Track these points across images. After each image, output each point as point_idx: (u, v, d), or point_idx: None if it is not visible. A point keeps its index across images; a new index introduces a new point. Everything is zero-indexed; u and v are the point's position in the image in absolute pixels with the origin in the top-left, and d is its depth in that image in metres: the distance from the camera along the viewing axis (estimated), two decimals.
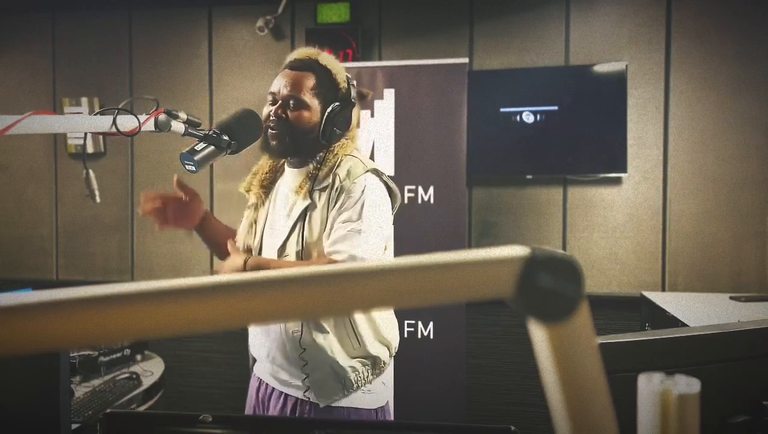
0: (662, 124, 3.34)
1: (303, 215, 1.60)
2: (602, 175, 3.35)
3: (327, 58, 1.64)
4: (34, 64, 3.99)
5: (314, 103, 1.60)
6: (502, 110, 3.37)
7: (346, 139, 1.69)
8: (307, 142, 1.62)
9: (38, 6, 3.91)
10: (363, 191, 1.58)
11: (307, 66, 1.62)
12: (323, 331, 1.59)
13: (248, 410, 1.78)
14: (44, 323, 0.35)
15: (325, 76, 1.62)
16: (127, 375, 2.44)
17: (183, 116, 1.27)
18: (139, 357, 2.66)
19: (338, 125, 1.62)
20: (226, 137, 1.35)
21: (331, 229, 1.57)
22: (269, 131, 1.60)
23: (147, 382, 2.42)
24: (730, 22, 3.27)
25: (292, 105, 1.59)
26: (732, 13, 3.27)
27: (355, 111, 1.69)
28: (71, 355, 2.36)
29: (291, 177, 1.70)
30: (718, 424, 0.81)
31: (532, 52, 3.45)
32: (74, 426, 1.93)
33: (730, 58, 3.27)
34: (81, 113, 3.84)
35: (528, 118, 3.34)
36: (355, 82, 1.69)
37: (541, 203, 3.45)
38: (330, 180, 1.60)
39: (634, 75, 3.33)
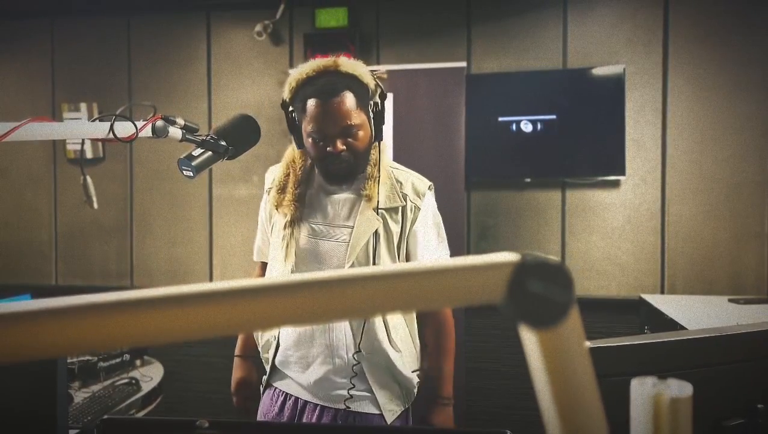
0: (660, 126, 3.34)
1: (374, 237, 1.59)
2: (600, 178, 3.36)
3: (348, 65, 1.56)
4: (32, 70, 4.00)
5: (363, 118, 1.57)
6: (500, 119, 3.38)
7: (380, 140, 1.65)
8: (367, 155, 1.62)
9: (37, 11, 3.92)
10: (433, 212, 1.70)
11: (335, 88, 1.53)
12: (396, 349, 1.62)
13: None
14: (44, 330, 0.35)
15: (355, 85, 1.55)
16: (126, 381, 2.44)
17: (180, 121, 1.28)
18: (138, 362, 2.66)
19: (383, 121, 1.61)
20: (223, 143, 1.35)
21: (423, 250, 1.65)
22: (332, 165, 1.56)
23: (146, 387, 2.42)
24: (727, 24, 3.28)
25: (350, 134, 1.55)
26: (729, 14, 3.28)
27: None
28: (71, 360, 2.36)
29: (330, 190, 1.65)
30: (712, 427, 0.81)
31: (529, 56, 3.46)
32: (74, 431, 1.93)
33: (727, 60, 3.28)
34: (80, 118, 3.84)
35: (526, 127, 3.35)
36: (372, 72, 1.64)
37: (540, 206, 3.45)
38: (400, 202, 1.62)
39: (632, 77, 3.33)
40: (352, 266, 1.57)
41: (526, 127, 3.36)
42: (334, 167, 1.57)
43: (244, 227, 3.71)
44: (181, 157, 1.33)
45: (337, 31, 3.54)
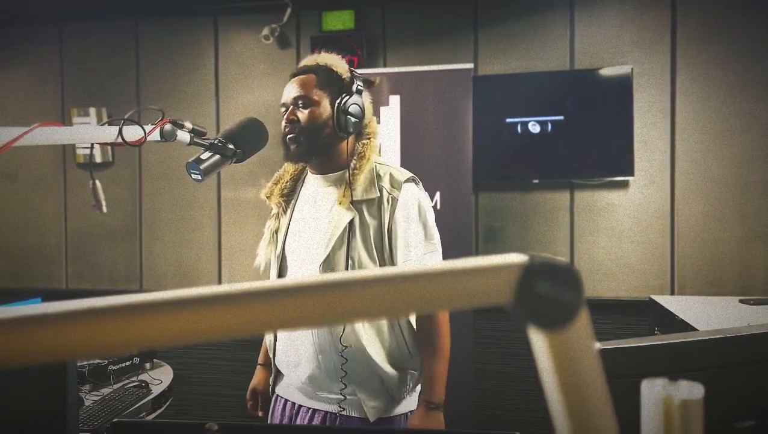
0: (668, 127, 3.33)
1: (349, 228, 1.58)
2: (609, 179, 3.34)
3: (325, 57, 1.67)
4: (42, 75, 4.03)
5: (322, 98, 1.61)
6: (507, 121, 3.37)
7: (368, 138, 1.67)
8: (323, 139, 1.61)
9: (45, 17, 3.95)
10: (418, 206, 1.62)
11: (307, 69, 1.65)
12: (375, 345, 1.58)
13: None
14: (54, 334, 0.35)
15: (326, 72, 1.64)
16: (136, 384, 2.45)
17: (188, 125, 1.28)
18: (148, 365, 2.67)
19: (352, 114, 1.61)
20: (231, 146, 1.36)
21: (405, 249, 1.58)
22: (287, 137, 1.62)
23: (156, 390, 2.43)
24: (734, 25, 3.26)
25: (301, 105, 1.61)
26: (737, 15, 3.26)
27: (366, 100, 1.67)
28: (81, 363, 2.37)
29: (317, 184, 1.69)
30: (724, 429, 0.80)
31: (536, 57, 3.45)
32: None
33: (735, 61, 3.26)
34: (89, 123, 3.87)
35: (534, 128, 3.35)
36: (358, 72, 1.69)
37: (548, 207, 3.44)
38: (376, 193, 1.59)
39: (640, 79, 3.32)
40: (327, 258, 1.58)
41: (534, 128, 3.35)
42: (287, 139, 1.62)
43: (252, 230, 3.71)
44: (189, 160, 1.33)
45: (344, 33, 3.55)
